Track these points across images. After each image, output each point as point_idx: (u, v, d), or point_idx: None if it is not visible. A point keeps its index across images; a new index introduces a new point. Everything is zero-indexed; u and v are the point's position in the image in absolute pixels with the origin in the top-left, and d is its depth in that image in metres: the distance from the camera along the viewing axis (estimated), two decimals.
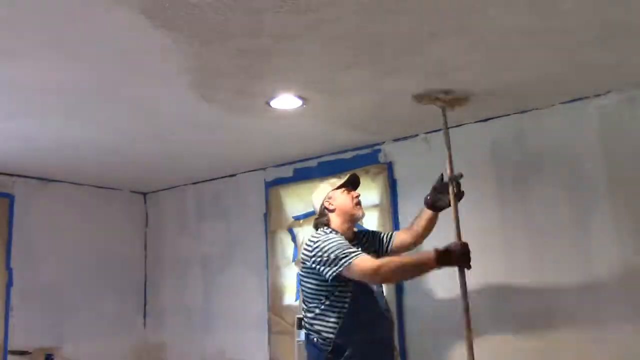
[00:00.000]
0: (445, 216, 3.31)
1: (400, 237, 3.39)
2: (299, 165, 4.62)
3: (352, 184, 3.31)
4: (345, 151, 4.35)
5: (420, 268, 2.91)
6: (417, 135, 4.01)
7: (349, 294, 3.02)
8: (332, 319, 3.01)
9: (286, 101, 3.27)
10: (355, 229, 3.39)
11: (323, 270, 2.95)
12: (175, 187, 5.44)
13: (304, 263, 3.10)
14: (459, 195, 3.07)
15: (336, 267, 2.90)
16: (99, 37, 2.44)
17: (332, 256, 2.92)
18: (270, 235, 4.71)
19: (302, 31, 2.42)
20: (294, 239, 4.57)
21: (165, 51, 2.58)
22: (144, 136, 3.87)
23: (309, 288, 3.10)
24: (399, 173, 4.10)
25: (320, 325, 3.04)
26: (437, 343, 3.76)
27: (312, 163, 4.55)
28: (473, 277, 3.67)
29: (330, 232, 3.13)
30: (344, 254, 2.91)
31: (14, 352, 4.50)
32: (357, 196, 3.28)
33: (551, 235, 3.41)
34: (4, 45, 2.49)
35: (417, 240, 3.37)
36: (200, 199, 5.28)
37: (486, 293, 3.60)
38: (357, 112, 3.55)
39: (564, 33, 2.55)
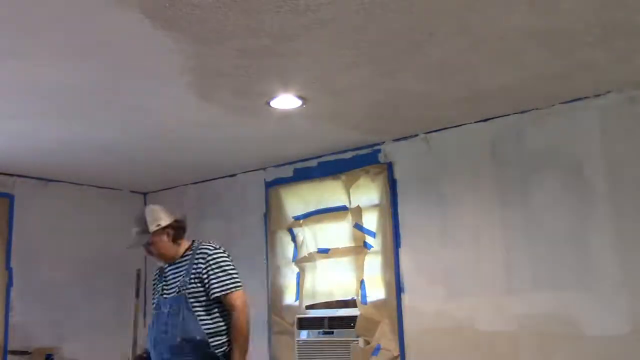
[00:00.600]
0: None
1: None
2: (299, 165, 4.62)
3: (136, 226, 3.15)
4: (345, 151, 4.35)
5: None
6: (417, 135, 4.01)
7: None
8: None
9: (286, 101, 3.27)
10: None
11: None
12: (175, 187, 5.43)
13: None
14: None
15: None
16: (99, 37, 2.44)
17: None
18: (270, 235, 4.71)
19: (302, 31, 2.42)
20: (294, 239, 4.57)
21: (165, 51, 2.58)
22: (144, 136, 3.86)
23: None
24: (399, 173, 4.10)
25: None
26: (437, 343, 3.76)
27: (312, 163, 4.55)
28: (473, 277, 3.68)
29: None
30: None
31: (14, 352, 4.50)
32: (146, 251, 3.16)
33: (551, 235, 3.41)
34: (4, 45, 2.49)
35: None
36: (201, 199, 5.28)
37: (486, 293, 3.61)
38: (357, 112, 3.55)
39: (564, 33, 2.55)
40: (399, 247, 4.01)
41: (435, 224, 3.87)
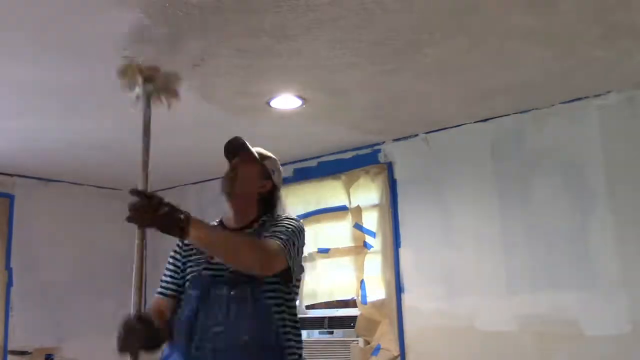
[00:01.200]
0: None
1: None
2: (299, 165, 4.62)
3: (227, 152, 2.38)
4: (345, 151, 4.35)
5: None
6: (417, 135, 4.01)
7: None
8: None
9: (286, 101, 3.27)
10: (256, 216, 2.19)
11: None
12: (176, 186, 5.43)
13: None
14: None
15: None
16: (99, 37, 2.44)
17: None
18: None
19: (302, 31, 2.42)
20: None
21: (165, 51, 2.58)
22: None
23: None
24: (399, 173, 4.10)
25: None
26: (437, 343, 3.76)
27: (312, 163, 4.54)
28: (473, 277, 3.68)
29: None
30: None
31: (14, 352, 4.50)
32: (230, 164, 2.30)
33: (551, 235, 3.41)
34: (4, 45, 2.49)
35: None
36: (201, 199, 5.27)
37: (486, 292, 3.60)
38: (357, 112, 3.55)
39: (564, 33, 2.55)
40: (399, 247, 4.01)
41: (435, 224, 3.87)
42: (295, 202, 4.60)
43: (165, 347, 2.03)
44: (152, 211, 1.78)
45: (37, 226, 4.84)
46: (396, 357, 3.88)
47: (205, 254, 2.04)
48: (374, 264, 4.12)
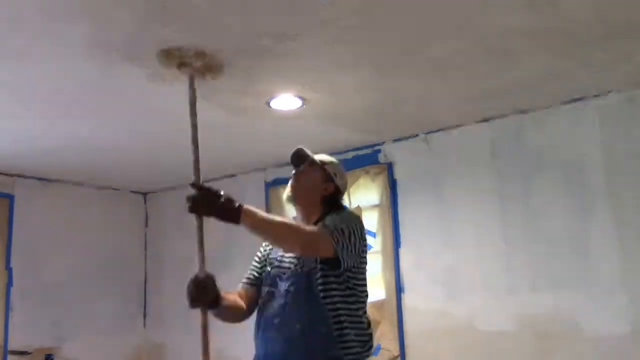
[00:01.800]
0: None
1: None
2: None
3: (292, 163, 2.56)
4: (345, 151, 4.35)
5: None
6: (417, 135, 4.01)
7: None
8: None
9: (286, 101, 3.27)
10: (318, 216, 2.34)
11: None
12: (175, 187, 5.43)
13: None
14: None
15: None
16: (99, 37, 2.44)
17: None
18: None
19: (302, 31, 2.43)
20: None
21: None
22: (144, 136, 3.86)
23: None
24: (399, 173, 4.10)
25: None
26: (437, 343, 3.76)
27: None
28: (473, 277, 3.68)
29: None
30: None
31: (14, 352, 4.50)
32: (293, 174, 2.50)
33: (551, 235, 3.41)
34: (4, 45, 2.49)
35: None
36: None
37: (486, 293, 3.60)
38: (357, 112, 3.55)
39: (564, 33, 2.55)
40: (399, 247, 4.01)
41: (435, 224, 3.87)
42: None
43: None
44: (211, 202, 2.05)
45: (37, 226, 4.83)
46: (396, 357, 3.88)
47: (278, 254, 2.32)
48: (374, 264, 4.12)
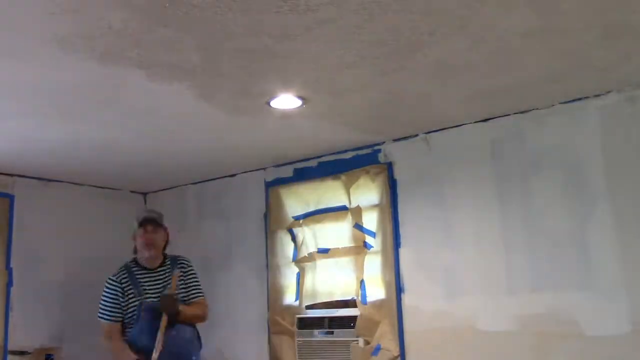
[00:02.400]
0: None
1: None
2: (299, 165, 4.62)
3: (147, 222, 3.74)
4: (345, 151, 4.35)
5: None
6: (417, 135, 4.01)
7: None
8: None
9: (286, 101, 3.27)
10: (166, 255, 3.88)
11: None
12: (175, 187, 5.43)
13: None
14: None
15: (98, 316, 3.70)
16: (99, 37, 2.43)
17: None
18: (270, 235, 4.71)
19: (302, 31, 2.43)
20: (294, 239, 4.57)
21: (165, 51, 2.58)
22: (144, 136, 3.86)
23: None
24: (399, 173, 4.10)
25: None
26: (437, 343, 3.76)
27: (312, 163, 4.55)
28: (473, 277, 3.68)
29: (111, 277, 3.70)
30: (99, 310, 3.68)
31: (14, 352, 4.50)
32: (150, 232, 3.74)
33: (551, 235, 3.41)
34: (4, 45, 2.49)
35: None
36: (200, 199, 5.28)
37: (486, 293, 3.61)
38: (357, 112, 3.55)
39: (564, 33, 2.55)
40: (399, 247, 4.01)
41: (435, 224, 3.87)
42: (295, 202, 4.61)
43: None
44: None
45: (37, 226, 4.83)
46: (396, 357, 3.88)
47: (141, 288, 3.63)
48: (374, 264, 4.12)
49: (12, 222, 4.69)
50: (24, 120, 3.46)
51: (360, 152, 4.29)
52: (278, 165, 4.74)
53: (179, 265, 3.76)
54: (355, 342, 4.03)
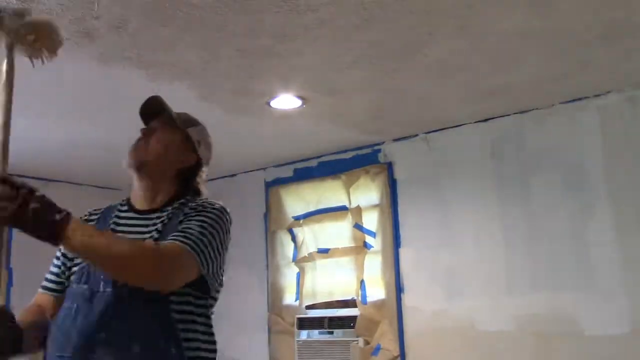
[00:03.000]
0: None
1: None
2: (299, 165, 4.62)
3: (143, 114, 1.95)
4: (345, 151, 4.35)
5: None
6: (417, 135, 4.01)
7: None
8: None
9: (286, 101, 3.27)
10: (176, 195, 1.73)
11: None
12: None
13: None
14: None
15: None
16: (99, 37, 2.43)
17: None
18: (270, 235, 4.71)
19: (302, 31, 2.42)
20: (294, 239, 4.57)
21: (165, 51, 2.58)
22: None
23: None
24: (399, 173, 4.10)
25: None
26: (437, 343, 3.76)
27: (312, 163, 4.55)
28: (473, 277, 3.68)
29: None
30: None
31: None
32: (142, 131, 1.86)
33: (551, 235, 3.41)
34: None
35: None
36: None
37: (486, 293, 3.60)
38: (357, 112, 3.55)
39: (564, 33, 2.55)
40: (399, 247, 4.01)
41: (435, 224, 3.87)
42: (295, 202, 4.60)
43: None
44: (17, 205, 1.38)
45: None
46: (396, 357, 3.88)
47: None
48: (374, 264, 4.12)
49: None
50: (24, 120, 3.46)
51: (360, 152, 4.29)
52: (278, 165, 4.74)
53: (186, 211, 1.63)
54: (355, 342, 4.03)
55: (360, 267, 4.16)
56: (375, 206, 4.17)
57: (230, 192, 5.07)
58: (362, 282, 4.13)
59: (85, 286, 1.57)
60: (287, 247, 4.61)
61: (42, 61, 1.57)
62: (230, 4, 2.18)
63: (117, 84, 2.97)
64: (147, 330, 1.46)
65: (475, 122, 3.75)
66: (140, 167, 1.69)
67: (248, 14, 2.27)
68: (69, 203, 5.15)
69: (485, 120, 3.72)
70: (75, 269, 1.68)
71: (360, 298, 4.11)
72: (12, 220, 1.38)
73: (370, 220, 4.17)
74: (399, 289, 3.96)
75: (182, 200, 1.67)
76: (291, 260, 4.56)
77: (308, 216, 4.48)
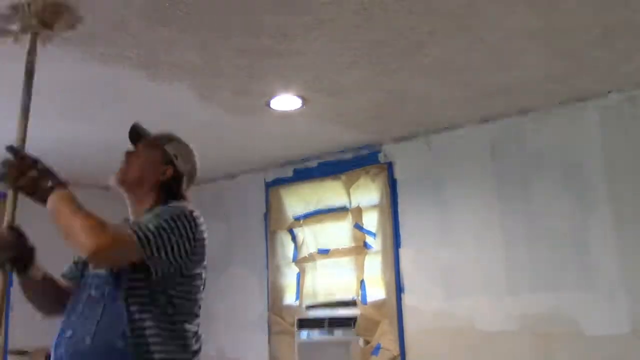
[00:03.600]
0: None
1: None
2: (299, 165, 4.62)
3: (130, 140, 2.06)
4: (345, 151, 4.35)
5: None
6: (417, 135, 4.01)
7: None
8: None
9: (286, 101, 3.27)
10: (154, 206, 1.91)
11: None
12: None
13: None
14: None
15: None
16: (99, 37, 2.43)
17: None
18: (270, 235, 4.71)
19: (302, 31, 2.42)
20: (294, 239, 4.57)
21: (165, 51, 2.58)
22: None
23: None
24: (399, 173, 4.10)
25: None
26: (437, 343, 3.76)
27: (312, 163, 4.55)
28: (473, 277, 3.68)
29: None
30: None
31: (13, 352, 4.50)
32: (125, 154, 2.02)
33: (551, 235, 3.41)
34: (3, 45, 2.49)
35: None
36: (201, 199, 5.27)
37: (486, 293, 3.60)
38: (357, 112, 3.55)
39: (564, 33, 2.55)
40: (399, 247, 4.01)
41: (435, 224, 3.87)
42: (295, 202, 4.61)
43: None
44: (20, 172, 1.72)
45: (37, 226, 4.82)
46: (396, 357, 3.88)
47: None
48: (374, 264, 4.12)
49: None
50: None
51: (360, 152, 4.29)
52: (278, 166, 4.74)
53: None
54: (355, 342, 4.03)
55: (360, 267, 4.16)
56: (375, 206, 4.17)
57: (230, 192, 5.08)
58: (362, 282, 4.13)
59: (80, 288, 1.86)
60: (288, 247, 4.61)
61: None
62: (230, 4, 2.18)
63: (117, 84, 2.97)
64: (97, 327, 1.68)
65: (475, 122, 3.75)
66: (122, 185, 1.96)
67: (248, 14, 2.27)
68: None
69: (485, 120, 3.72)
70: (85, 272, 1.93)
71: (360, 298, 4.12)
72: (13, 183, 1.72)
73: (370, 221, 4.17)
74: (399, 288, 3.96)
75: (160, 205, 1.87)
76: (291, 260, 4.56)
77: (308, 216, 4.48)
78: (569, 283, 3.32)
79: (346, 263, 4.25)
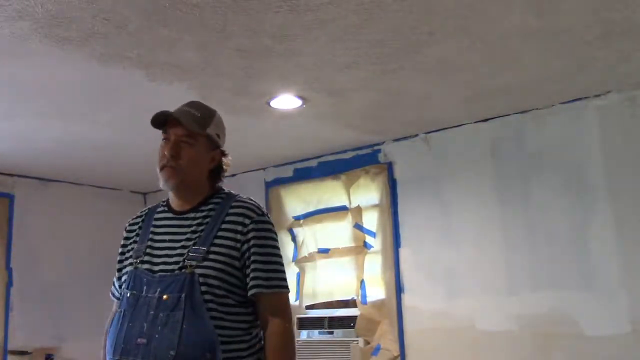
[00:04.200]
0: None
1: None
2: (299, 165, 4.62)
3: (165, 121, 1.90)
4: (345, 151, 4.35)
5: None
6: (417, 135, 4.01)
7: None
8: None
9: (286, 101, 3.27)
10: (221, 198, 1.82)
11: None
12: None
13: None
14: None
15: None
16: (99, 37, 2.43)
17: None
18: None
19: (302, 31, 2.42)
20: (294, 239, 4.57)
21: (165, 51, 2.58)
22: (144, 136, 3.86)
23: None
24: (399, 173, 4.10)
25: None
26: (437, 343, 3.76)
27: (312, 163, 4.55)
28: (473, 277, 3.68)
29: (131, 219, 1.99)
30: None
31: (14, 352, 4.50)
32: (168, 140, 1.82)
33: (551, 235, 3.41)
34: (3, 45, 2.49)
35: None
36: None
37: (486, 292, 3.60)
38: (357, 112, 3.55)
39: (564, 33, 2.55)
40: (399, 247, 4.01)
41: (435, 224, 3.87)
42: (295, 202, 4.60)
43: None
44: None
45: (37, 226, 4.83)
46: (396, 357, 3.88)
47: (147, 244, 1.72)
48: (374, 264, 4.12)
49: (12, 222, 4.69)
50: (24, 120, 3.46)
51: (360, 152, 4.29)
52: (278, 165, 4.74)
53: (233, 211, 1.73)
54: (355, 342, 4.03)
55: (360, 267, 4.16)
56: (375, 206, 4.17)
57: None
58: (362, 282, 4.13)
59: (131, 292, 1.69)
60: (287, 247, 4.61)
61: None
62: (230, 4, 2.18)
63: (117, 84, 2.97)
64: (185, 338, 1.54)
65: (475, 122, 3.75)
66: (178, 188, 1.79)
67: (248, 14, 2.27)
68: (69, 203, 5.18)
69: (485, 120, 3.72)
70: (124, 277, 1.78)
71: (360, 298, 4.12)
72: None
73: (370, 220, 4.17)
74: (399, 288, 3.96)
75: (217, 200, 1.77)
76: (291, 260, 4.56)
77: (308, 216, 4.48)
78: (569, 283, 3.32)
79: (346, 263, 4.25)
